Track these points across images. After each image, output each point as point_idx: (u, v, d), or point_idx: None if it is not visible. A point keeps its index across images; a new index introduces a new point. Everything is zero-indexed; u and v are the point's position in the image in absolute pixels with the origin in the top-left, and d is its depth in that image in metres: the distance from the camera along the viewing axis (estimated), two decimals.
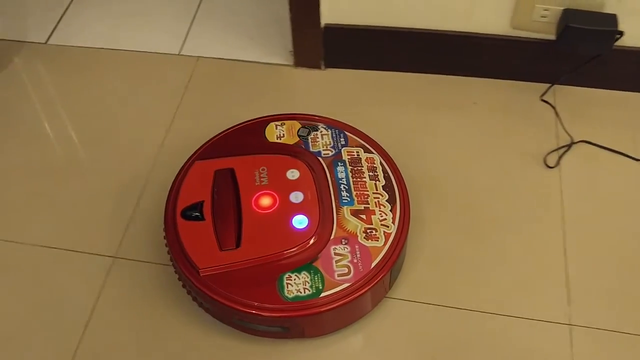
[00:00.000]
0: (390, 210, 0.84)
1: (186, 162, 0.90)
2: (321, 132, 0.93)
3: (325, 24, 1.09)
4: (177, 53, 1.21)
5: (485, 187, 0.98)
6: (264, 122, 0.95)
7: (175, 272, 0.84)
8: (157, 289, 0.88)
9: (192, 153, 0.92)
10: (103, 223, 0.95)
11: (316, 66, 1.15)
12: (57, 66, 1.20)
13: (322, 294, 0.76)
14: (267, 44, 1.21)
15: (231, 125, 0.95)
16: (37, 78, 1.19)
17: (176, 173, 0.90)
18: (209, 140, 0.93)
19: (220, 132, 0.94)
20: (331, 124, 0.94)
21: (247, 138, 0.93)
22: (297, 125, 0.94)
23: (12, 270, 0.91)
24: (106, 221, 0.95)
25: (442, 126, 1.06)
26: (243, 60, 1.18)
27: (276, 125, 0.94)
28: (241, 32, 1.24)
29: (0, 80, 1.17)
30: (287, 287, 0.76)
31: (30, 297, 0.88)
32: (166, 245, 0.84)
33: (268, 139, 0.92)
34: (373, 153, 0.90)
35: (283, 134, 0.93)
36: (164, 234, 0.84)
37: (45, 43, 1.23)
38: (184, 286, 0.84)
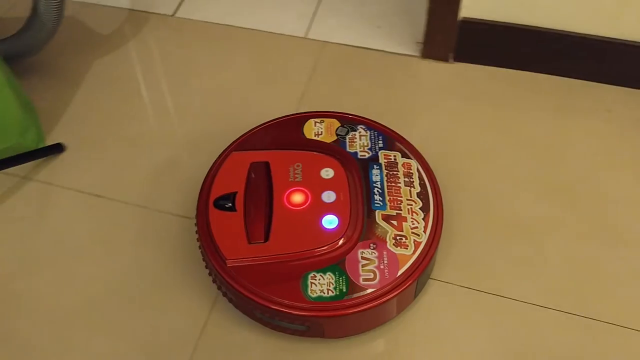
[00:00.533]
0: (423, 219, 0.83)
1: (223, 152, 0.90)
2: (360, 132, 0.92)
3: (463, 17, 1.09)
4: (303, 36, 1.23)
5: (618, 198, 0.95)
6: (303, 117, 0.94)
7: (203, 259, 0.85)
8: None
9: (229, 143, 0.92)
10: None
11: (444, 59, 1.15)
12: (183, 39, 1.24)
13: (346, 297, 0.76)
14: (394, 34, 1.21)
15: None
16: (163, 50, 1.22)
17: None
18: (247, 132, 0.93)
19: (258, 124, 0.94)
20: (371, 125, 0.93)
21: (285, 133, 0.93)
22: (336, 123, 0.93)
23: None
24: None
25: (574, 131, 1.04)
26: (369, 49, 1.19)
27: (315, 122, 0.93)
28: (368, 19, 1.25)
29: (129, 49, 1.22)
30: (311, 287, 0.76)
31: None
32: (196, 232, 0.84)
33: (306, 135, 0.92)
34: (411, 158, 0.89)
35: (321, 132, 0.92)
36: (195, 220, 0.86)
37: (172, 15, 1.27)
38: (210, 274, 0.85)
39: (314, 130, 0.93)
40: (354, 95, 1.11)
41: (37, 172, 1.02)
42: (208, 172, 0.88)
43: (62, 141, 1.05)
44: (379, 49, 1.18)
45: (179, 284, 0.88)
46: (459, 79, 1.13)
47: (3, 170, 1.00)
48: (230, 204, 0.84)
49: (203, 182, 0.87)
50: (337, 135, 0.92)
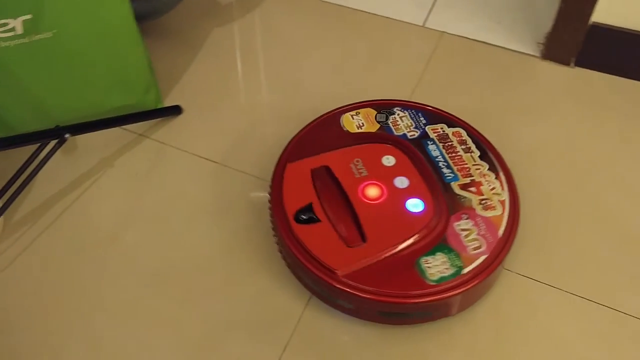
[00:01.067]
0: (496, 179, 0.85)
1: (277, 166, 0.88)
2: (399, 114, 0.93)
3: (593, 21, 1.06)
4: (421, 24, 1.21)
5: None
6: (338, 114, 0.94)
7: (301, 278, 0.82)
8: None
9: (279, 155, 0.89)
10: None
11: (565, 62, 1.13)
12: (300, 16, 1.23)
13: (465, 270, 0.77)
14: (515, 31, 1.19)
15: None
16: (281, 25, 1.22)
17: None
18: (291, 140, 0.91)
19: (298, 130, 0.92)
20: (406, 105, 0.94)
21: (327, 132, 0.92)
22: (372, 112, 0.93)
23: None
24: None
25: None
26: (488, 43, 1.17)
27: (352, 116, 0.93)
28: (488, 13, 1.23)
29: (249, 21, 1.22)
30: (429, 270, 0.77)
31: None
32: (290, 254, 0.81)
33: (349, 130, 0.91)
34: (458, 126, 0.91)
35: (362, 123, 0.92)
36: (276, 244, 0.82)
37: None
38: (312, 291, 0.82)
39: (354, 123, 0.92)
40: (467, 88, 1.10)
41: (153, 132, 1.05)
42: (272, 189, 0.85)
43: (177, 104, 1.07)
44: (498, 44, 1.17)
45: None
46: (579, 84, 1.10)
47: (123, 127, 1.04)
48: (312, 216, 0.81)
49: (272, 201, 0.84)
50: (378, 122, 0.92)
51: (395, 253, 0.78)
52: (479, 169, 0.87)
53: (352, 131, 0.91)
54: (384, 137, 0.90)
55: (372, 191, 0.84)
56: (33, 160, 0.90)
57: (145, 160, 1.01)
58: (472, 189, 0.84)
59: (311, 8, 1.25)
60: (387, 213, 0.82)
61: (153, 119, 1.05)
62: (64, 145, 0.93)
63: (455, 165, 0.87)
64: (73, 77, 0.96)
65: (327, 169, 0.86)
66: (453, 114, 0.93)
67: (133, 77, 1.01)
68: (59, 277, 0.87)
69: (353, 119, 0.93)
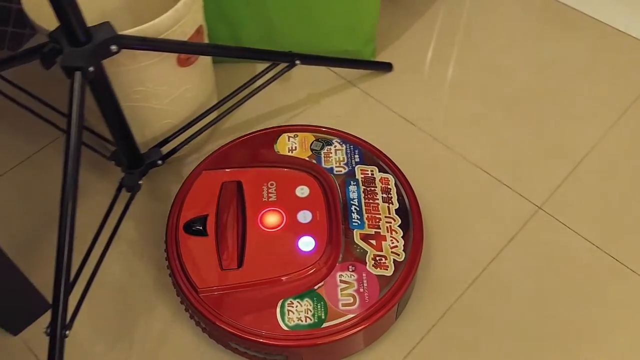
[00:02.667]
0: (402, 237, 0.80)
1: (193, 171, 0.87)
2: (335, 147, 0.89)
3: None
4: None
5: None
6: (277, 132, 0.91)
7: (174, 287, 0.81)
8: None
9: (200, 161, 0.88)
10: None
11: None
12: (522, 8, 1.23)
13: (325, 324, 0.72)
14: None
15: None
16: (496, 12, 1.22)
17: None
18: (218, 149, 0.89)
19: (230, 140, 0.91)
20: (346, 138, 0.90)
21: (257, 149, 0.89)
22: (310, 137, 0.90)
23: None
24: None
25: None
26: None
27: (289, 137, 0.90)
28: None
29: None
30: (288, 315, 0.73)
31: None
32: (166, 259, 0.80)
33: (279, 151, 0.88)
34: (388, 173, 0.86)
35: (295, 147, 0.89)
36: (164, 246, 0.82)
37: None
38: (182, 303, 0.81)
39: (287, 145, 0.89)
40: None
41: (361, 82, 1.11)
42: (177, 194, 0.84)
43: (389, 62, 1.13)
44: None
45: None
46: None
47: (334, 71, 1.12)
48: (200, 228, 0.80)
49: (172, 205, 0.83)
50: (311, 150, 0.88)
51: (264, 288, 0.75)
52: (390, 222, 0.81)
53: (281, 152, 0.88)
54: (308, 165, 0.86)
55: (272, 219, 0.80)
56: (259, 78, 0.96)
57: (348, 105, 1.08)
58: (373, 241, 0.79)
59: (543, 5, 1.24)
60: (275, 244, 0.78)
61: (367, 69, 1.13)
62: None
63: (367, 213, 0.81)
64: (310, 11, 1.03)
65: (239, 185, 0.84)
66: (389, 156, 0.88)
67: (361, 25, 1.07)
68: None
69: (289, 140, 0.90)
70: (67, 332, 0.67)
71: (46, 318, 0.72)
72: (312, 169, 0.86)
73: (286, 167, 0.86)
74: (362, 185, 0.84)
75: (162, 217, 0.88)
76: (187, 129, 0.90)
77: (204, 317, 0.74)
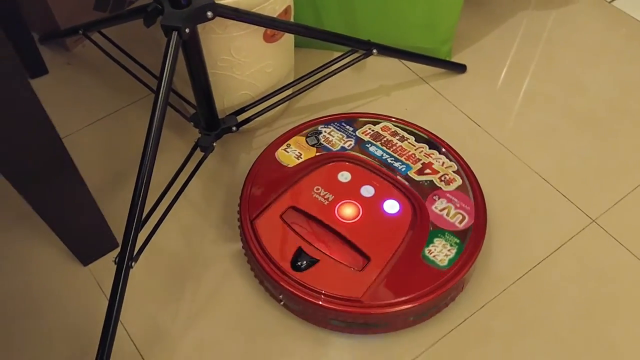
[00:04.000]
0: (441, 154, 0.93)
1: (243, 227, 0.87)
2: (325, 131, 0.96)
3: None
4: None
5: None
6: (270, 153, 0.94)
7: (322, 321, 0.84)
8: None
9: (237, 216, 0.91)
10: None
11: None
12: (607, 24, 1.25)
13: (465, 244, 0.84)
14: None
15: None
16: (583, 29, 1.25)
17: None
18: (241, 197, 0.90)
19: (242, 186, 0.92)
20: (326, 121, 0.98)
21: (272, 175, 0.92)
22: (301, 139, 0.96)
23: None
24: None
25: None
26: None
27: (285, 150, 0.95)
28: None
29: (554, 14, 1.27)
30: (437, 258, 0.82)
31: None
32: (295, 306, 0.84)
33: (289, 164, 0.93)
34: (381, 121, 0.97)
35: (298, 153, 0.94)
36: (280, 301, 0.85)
37: (610, 2, 1.29)
38: (341, 329, 0.84)
39: (291, 156, 0.94)
40: None
41: (433, 80, 1.16)
42: (252, 250, 0.85)
43: (464, 63, 1.18)
44: None
45: None
46: None
47: (408, 66, 1.17)
48: (308, 260, 0.83)
49: (259, 262, 0.84)
50: (312, 146, 0.95)
51: (402, 257, 0.83)
52: (422, 151, 0.93)
53: (293, 164, 0.93)
54: (327, 157, 0.93)
55: (347, 211, 0.87)
56: (335, 62, 1.03)
57: (417, 100, 1.12)
58: (427, 170, 0.90)
59: (618, 19, 1.27)
60: (372, 226, 0.86)
61: (442, 67, 1.17)
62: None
63: (402, 157, 0.92)
64: (392, 4, 1.09)
65: (295, 208, 0.88)
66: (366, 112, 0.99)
67: (440, 24, 1.11)
68: None
69: (288, 152, 0.95)
70: (133, 264, 0.76)
71: (113, 254, 0.80)
72: (332, 158, 0.94)
73: (313, 171, 0.92)
74: (375, 142, 0.95)
75: (228, 181, 0.98)
76: (263, 102, 0.99)
77: (383, 314, 0.80)
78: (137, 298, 0.88)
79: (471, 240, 0.84)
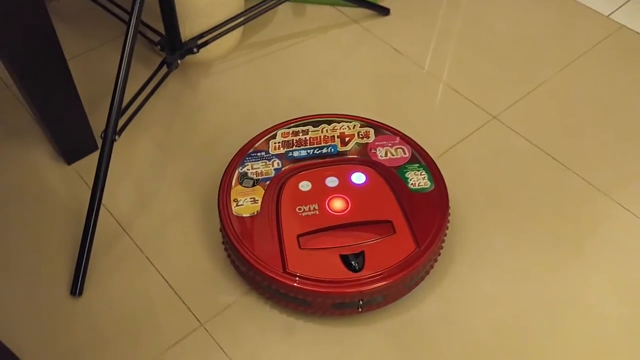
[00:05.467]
0: (339, 123, 1.06)
1: (288, 289, 0.88)
2: (248, 170, 0.99)
3: None
4: (605, 15, 1.39)
5: None
6: (232, 218, 0.93)
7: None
8: None
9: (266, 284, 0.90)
10: None
11: None
12: None
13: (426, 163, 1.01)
14: None
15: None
16: None
17: None
18: (257, 267, 0.89)
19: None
20: (236, 163, 1.00)
21: (254, 229, 0.92)
22: (238, 188, 0.97)
23: None
24: None
25: None
26: None
27: (238, 204, 0.95)
28: None
29: None
30: (421, 184, 0.97)
31: None
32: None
33: (257, 210, 0.93)
34: (277, 132, 1.04)
35: (251, 198, 0.95)
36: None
37: None
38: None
39: (249, 205, 0.95)
40: (622, 85, 1.27)
41: (363, 21, 1.41)
42: (312, 290, 0.87)
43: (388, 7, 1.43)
44: None
45: None
46: None
47: (341, 10, 1.43)
48: (355, 257, 0.89)
49: (324, 292, 0.86)
50: (254, 186, 0.97)
51: (402, 203, 0.95)
52: (326, 130, 1.05)
53: (258, 208, 0.94)
54: (276, 184, 0.96)
55: (337, 204, 0.94)
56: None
57: (351, 37, 1.37)
58: (347, 139, 1.03)
59: None
60: (363, 199, 0.94)
61: (366, 7, 1.41)
62: (296, 9, 1.42)
63: (320, 143, 1.02)
64: None
65: (301, 235, 0.91)
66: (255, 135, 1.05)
67: None
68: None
69: (242, 204, 0.94)
70: (116, 137, 0.96)
71: (94, 156, 1.10)
72: (283, 177, 1.03)
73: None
74: (302, 147, 1.03)
75: (185, 102, 1.22)
76: (218, 29, 1.17)
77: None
78: (118, 181, 1.08)
79: (423, 158, 1.01)
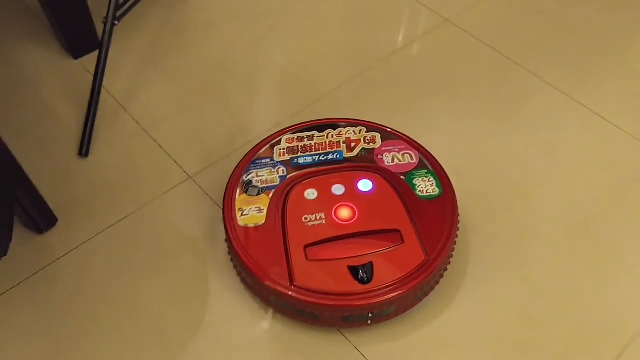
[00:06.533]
0: (345, 127, 1.04)
1: (292, 297, 0.86)
2: (253, 178, 0.97)
3: None
4: None
5: None
6: (237, 227, 0.91)
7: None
8: None
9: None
10: None
11: None
12: None
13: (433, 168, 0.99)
14: None
15: None
16: None
17: None
18: (260, 278, 0.88)
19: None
20: (241, 171, 0.98)
21: (261, 240, 0.91)
22: (244, 197, 0.95)
23: None
24: None
25: None
26: None
27: (243, 214, 0.93)
28: None
29: None
30: (429, 191, 0.95)
31: None
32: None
33: (262, 222, 0.91)
34: (281, 137, 1.02)
35: (257, 207, 0.94)
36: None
37: None
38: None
39: (254, 214, 0.93)
40: None
41: None
42: (317, 304, 0.85)
43: None
44: None
45: None
46: None
47: None
48: (364, 268, 0.87)
49: (331, 306, 0.85)
50: (259, 195, 0.95)
51: (411, 211, 0.93)
52: (332, 135, 1.02)
53: (264, 219, 0.92)
54: (281, 192, 0.94)
55: (344, 213, 0.92)
56: None
57: None
58: (353, 144, 1.01)
59: None
60: (370, 208, 0.92)
61: None
62: None
63: (326, 149, 1.00)
64: None
65: (308, 245, 0.89)
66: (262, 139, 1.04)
67: None
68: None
69: (247, 214, 0.92)
70: (116, 22, 1.17)
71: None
72: (288, 185, 0.99)
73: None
74: (302, 153, 1.01)
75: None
76: None
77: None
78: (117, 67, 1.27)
79: (430, 163, 0.98)
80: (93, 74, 1.17)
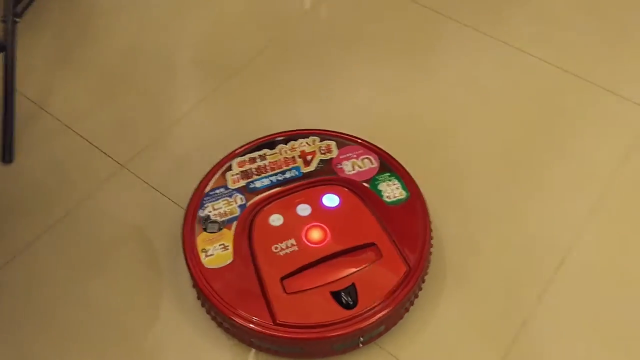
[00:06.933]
0: (297, 140, 0.98)
1: (277, 335, 0.80)
2: (210, 212, 0.90)
3: None
4: None
5: None
6: (203, 270, 0.84)
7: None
8: None
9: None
10: None
11: None
12: None
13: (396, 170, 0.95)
14: None
15: None
16: None
17: None
18: (238, 324, 0.82)
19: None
20: (195, 207, 0.91)
21: (232, 280, 0.84)
22: (204, 235, 0.88)
23: None
24: None
25: None
26: None
27: (207, 255, 0.86)
28: None
29: None
30: (396, 194, 0.91)
31: None
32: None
33: (229, 260, 0.85)
34: (231, 162, 0.96)
35: (222, 244, 0.87)
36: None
37: None
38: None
39: (219, 253, 0.86)
40: None
41: None
42: (307, 338, 0.80)
43: None
44: None
45: None
46: None
47: None
48: (347, 291, 0.82)
49: (324, 338, 0.80)
50: (220, 230, 0.88)
51: (382, 220, 0.88)
52: (285, 151, 0.96)
53: (231, 257, 0.85)
54: (243, 224, 0.88)
55: (315, 235, 0.86)
56: None
57: None
58: (309, 157, 0.95)
59: None
60: (341, 224, 0.88)
61: None
62: None
63: (282, 167, 0.94)
64: None
65: (284, 277, 0.83)
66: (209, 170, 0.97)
67: None
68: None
69: (212, 254, 0.85)
70: (18, 20, 1.11)
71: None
72: (251, 212, 0.93)
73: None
74: (262, 175, 0.94)
75: None
76: None
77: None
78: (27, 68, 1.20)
79: (392, 165, 0.94)
80: (2, 77, 1.11)
